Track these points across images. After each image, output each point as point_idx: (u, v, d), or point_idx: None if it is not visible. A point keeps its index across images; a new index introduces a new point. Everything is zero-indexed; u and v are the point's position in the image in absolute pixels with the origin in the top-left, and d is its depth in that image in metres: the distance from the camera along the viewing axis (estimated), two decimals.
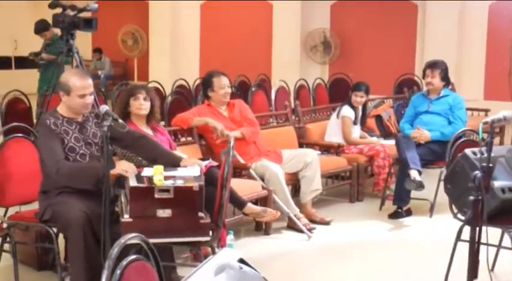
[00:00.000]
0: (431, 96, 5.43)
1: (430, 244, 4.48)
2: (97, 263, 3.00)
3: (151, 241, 2.10)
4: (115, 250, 1.86)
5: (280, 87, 8.24)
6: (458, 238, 3.53)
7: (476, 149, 3.37)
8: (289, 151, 5.05)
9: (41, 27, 7.46)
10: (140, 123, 4.03)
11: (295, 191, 5.16)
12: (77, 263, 3.12)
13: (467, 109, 6.15)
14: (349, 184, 5.54)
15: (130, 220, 3.05)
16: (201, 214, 3.15)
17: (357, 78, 6.80)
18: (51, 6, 5.58)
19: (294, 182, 5.00)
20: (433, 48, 10.15)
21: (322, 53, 11.62)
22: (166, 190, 3.09)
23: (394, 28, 11.04)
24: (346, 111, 5.67)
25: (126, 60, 13.87)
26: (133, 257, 1.90)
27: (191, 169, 3.43)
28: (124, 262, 1.85)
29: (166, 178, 3.16)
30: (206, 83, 4.90)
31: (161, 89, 7.80)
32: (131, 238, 1.95)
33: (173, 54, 12.66)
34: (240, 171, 4.66)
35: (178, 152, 4.06)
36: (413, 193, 5.03)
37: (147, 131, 4.01)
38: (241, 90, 7.91)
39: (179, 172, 3.36)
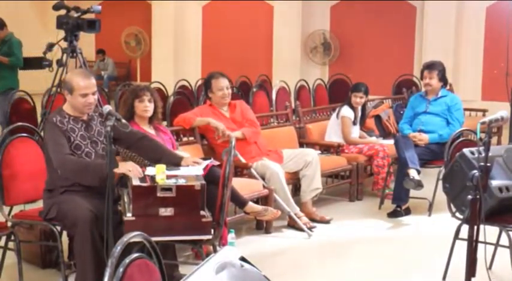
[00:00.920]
0: (430, 97, 5.47)
1: (429, 243, 4.51)
2: (103, 261, 3.03)
3: (154, 239, 2.12)
4: (118, 248, 1.86)
5: (281, 87, 8.28)
6: (456, 236, 3.57)
7: (474, 149, 3.40)
8: (290, 150, 5.09)
9: None
10: (143, 124, 4.06)
11: (296, 190, 5.19)
12: (84, 261, 3.14)
13: (465, 109, 6.19)
14: (349, 183, 5.58)
15: (133, 218, 3.08)
16: (202, 213, 3.18)
17: (357, 79, 6.85)
18: (55, 8, 5.62)
19: (295, 181, 5.04)
20: (432, 49, 10.18)
21: (322, 54, 11.66)
22: (169, 189, 3.12)
23: (393, 29, 11.07)
24: (346, 111, 5.71)
25: (129, 61, 13.90)
26: (135, 255, 1.91)
27: (193, 168, 3.47)
28: (127, 260, 1.86)
29: (168, 177, 3.19)
30: (206, 85, 4.95)
31: (163, 89, 7.83)
32: (134, 236, 1.96)
33: (175, 55, 12.69)
34: (241, 170, 4.70)
35: (181, 151, 4.10)
36: (412, 192, 5.06)
37: (150, 131, 4.04)
38: (242, 91, 7.96)
39: (181, 171, 3.39)
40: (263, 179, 4.66)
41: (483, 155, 2.95)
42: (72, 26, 5.56)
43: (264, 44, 12.16)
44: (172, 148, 4.05)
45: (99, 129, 3.47)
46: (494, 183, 3.28)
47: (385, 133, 6.40)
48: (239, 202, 4.15)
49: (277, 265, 4.01)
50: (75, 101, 3.38)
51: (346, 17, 11.54)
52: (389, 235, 4.73)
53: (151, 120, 4.11)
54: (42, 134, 3.93)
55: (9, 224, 3.58)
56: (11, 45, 6.96)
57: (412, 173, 4.92)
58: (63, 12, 5.64)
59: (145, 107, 4.01)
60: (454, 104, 5.41)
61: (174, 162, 3.52)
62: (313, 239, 4.56)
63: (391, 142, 5.62)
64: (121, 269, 1.83)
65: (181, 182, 3.17)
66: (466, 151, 3.42)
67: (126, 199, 3.26)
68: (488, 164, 2.96)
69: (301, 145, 5.61)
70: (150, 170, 3.30)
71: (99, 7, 5.71)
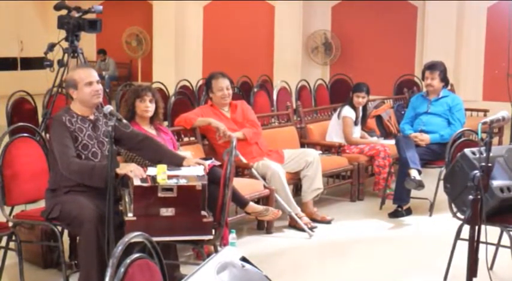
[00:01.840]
0: (431, 97, 5.47)
1: (430, 243, 4.51)
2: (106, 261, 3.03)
3: (155, 239, 2.11)
4: (119, 248, 1.86)
5: (282, 88, 8.28)
6: (457, 236, 3.56)
7: (475, 149, 3.40)
8: (291, 150, 5.09)
9: None
10: (144, 124, 4.07)
11: (297, 190, 5.19)
12: (89, 260, 3.14)
13: (466, 110, 6.19)
14: (350, 183, 5.58)
15: (134, 218, 3.08)
16: (203, 213, 3.18)
17: (358, 79, 6.85)
18: (57, 8, 5.63)
19: (296, 182, 5.04)
20: (433, 49, 10.20)
21: (323, 54, 11.67)
22: (170, 189, 3.12)
23: (394, 29, 11.08)
24: (347, 111, 5.71)
25: (130, 62, 13.93)
26: (136, 255, 1.91)
27: (194, 168, 3.48)
28: (128, 260, 1.86)
29: (169, 177, 3.20)
30: (207, 85, 4.96)
31: (164, 89, 7.84)
32: (135, 236, 1.95)
33: (176, 55, 12.71)
34: (242, 170, 4.70)
35: (182, 151, 4.10)
36: (413, 192, 5.06)
37: (151, 131, 4.04)
38: (243, 91, 7.97)
39: (182, 171, 3.39)
40: (264, 179, 4.66)
41: (484, 155, 2.95)
42: (73, 26, 5.56)
43: (265, 44, 12.17)
44: (173, 148, 4.06)
45: (105, 129, 3.47)
46: (496, 183, 3.28)
47: (386, 133, 6.40)
48: (240, 202, 4.15)
49: (278, 265, 4.02)
50: (82, 93, 3.39)
51: (347, 17, 11.55)
52: (390, 235, 4.73)
53: (152, 120, 4.11)
54: (43, 134, 3.93)
55: (10, 224, 3.57)
56: None
57: (413, 173, 4.92)
58: (64, 12, 5.65)
59: (146, 107, 4.01)
60: (456, 104, 5.42)
61: (176, 162, 3.53)
62: (314, 240, 4.57)
63: (392, 142, 5.62)
64: (122, 269, 1.83)
65: (183, 182, 3.17)
66: (467, 151, 3.42)
67: (127, 199, 3.26)
68: (490, 165, 2.96)
69: (302, 145, 5.61)
70: (151, 171, 3.30)
71: (100, 7, 5.72)
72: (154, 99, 4.06)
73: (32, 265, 3.87)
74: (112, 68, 13.30)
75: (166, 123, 6.34)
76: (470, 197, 2.94)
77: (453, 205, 3.62)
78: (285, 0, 11.67)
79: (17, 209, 3.76)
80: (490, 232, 3.15)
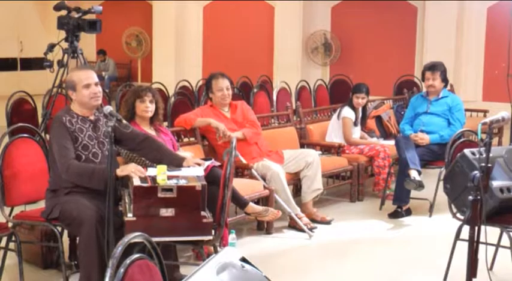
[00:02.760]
0: (431, 98, 5.47)
1: (430, 243, 4.51)
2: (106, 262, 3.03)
3: (155, 239, 2.12)
4: (119, 249, 1.86)
5: (282, 88, 8.29)
6: (457, 237, 3.56)
7: (475, 150, 3.41)
8: (291, 151, 5.09)
9: None
10: (144, 124, 4.07)
11: (297, 190, 5.19)
12: (89, 261, 3.14)
13: (466, 110, 6.19)
14: (350, 184, 5.58)
15: (134, 218, 3.08)
16: (203, 213, 3.19)
17: (357, 79, 6.86)
18: (56, 8, 5.63)
19: (295, 182, 5.04)
20: (432, 49, 10.20)
21: (323, 54, 11.68)
22: (170, 189, 3.12)
23: (394, 30, 11.09)
24: (347, 112, 5.71)
25: (130, 62, 13.93)
26: (136, 255, 1.91)
27: (194, 169, 3.48)
28: (127, 261, 1.86)
29: (169, 177, 3.20)
30: (207, 85, 4.97)
31: (164, 90, 7.85)
32: (135, 236, 1.95)
33: (176, 55, 12.71)
34: (242, 171, 4.71)
35: (182, 152, 4.10)
36: (413, 193, 5.07)
37: (151, 131, 4.04)
38: (243, 92, 7.97)
39: (182, 171, 3.40)
40: (264, 179, 4.67)
41: (484, 155, 2.95)
42: (73, 26, 5.56)
43: (265, 44, 12.17)
44: (173, 148, 4.06)
45: (105, 130, 3.46)
46: (495, 184, 3.28)
47: (386, 134, 6.40)
48: (240, 202, 4.15)
49: (278, 266, 4.02)
50: (81, 95, 3.38)
51: (347, 17, 11.56)
52: (390, 236, 4.73)
53: (152, 121, 4.12)
54: (43, 134, 3.93)
55: (10, 224, 3.58)
56: None
57: (413, 173, 4.92)
58: (64, 12, 5.65)
59: (146, 107, 4.01)
60: (456, 104, 5.42)
61: (176, 163, 3.53)
62: (314, 240, 4.57)
63: (391, 142, 5.62)
64: (122, 270, 1.83)
65: (182, 182, 3.17)
66: (467, 151, 3.42)
67: (127, 200, 3.26)
68: (489, 165, 2.97)
69: (302, 146, 5.61)
70: (151, 171, 3.30)
71: (100, 7, 5.72)
72: (154, 100, 4.06)
73: (32, 265, 3.88)
74: (112, 68, 13.31)
75: (166, 123, 6.33)
76: (470, 197, 2.94)
77: (453, 206, 3.62)
78: (285, 0, 11.67)
79: (17, 210, 3.76)
80: (490, 233, 3.16)
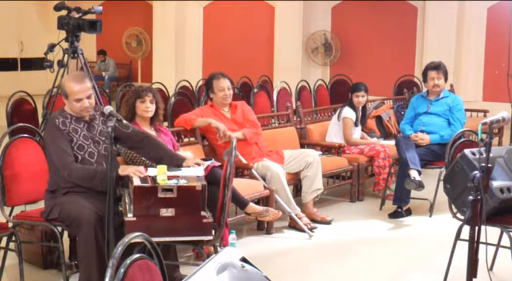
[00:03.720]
0: (431, 98, 5.47)
1: (430, 243, 4.51)
2: (106, 262, 3.03)
3: (155, 239, 2.12)
4: (119, 249, 1.87)
5: (282, 88, 8.28)
6: (457, 237, 3.56)
7: (475, 150, 3.40)
8: (291, 151, 5.09)
9: None
10: (144, 124, 4.07)
11: (297, 191, 5.19)
12: (88, 261, 3.14)
13: (466, 110, 6.19)
14: (350, 184, 5.58)
15: (134, 219, 3.09)
16: (203, 213, 3.19)
17: (358, 79, 6.85)
18: (56, 8, 5.62)
19: (296, 182, 5.04)
20: (433, 49, 10.20)
21: (323, 54, 11.68)
22: (170, 190, 3.12)
23: (394, 30, 11.09)
24: (347, 112, 5.70)
25: (130, 62, 13.93)
26: (136, 255, 1.91)
27: (194, 169, 3.48)
28: (128, 261, 1.86)
29: (169, 177, 3.20)
30: (207, 85, 4.96)
31: (164, 90, 7.85)
32: (135, 236, 1.96)
33: (176, 55, 12.71)
34: (242, 171, 4.70)
35: (182, 152, 4.11)
36: (413, 193, 5.07)
37: (151, 132, 4.04)
38: (243, 92, 7.96)
39: (182, 171, 3.40)
40: (264, 179, 4.67)
41: (484, 155, 2.95)
42: (73, 26, 5.56)
43: (265, 44, 12.17)
44: (173, 148, 4.06)
45: (102, 128, 3.47)
46: (495, 184, 3.28)
47: (386, 134, 6.41)
48: (240, 202, 4.15)
49: (278, 266, 4.02)
50: (72, 106, 3.39)
51: (347, 17, 11.56)
52: (390, 236, 4.73)
53: (152, 121, 4.12)
54: (43, 134, 3.92)
55: (10, 224, 3.58)
56: None
57: (413, 173, 4.92)
58: (64, 12, 5.64)
59: (147, 107, 4.02)
60: (456, 104, 5.42)
61: (176, 163, 3.53)
62: (314, 240, 4.57)
63: (392, 142, 5.62)
64: (122, 270, 1.84)
65: (183, 182, 3.18)
66: (467, 151, 3.42)
67: (127, 200, 3.26)
68: (490, 165, 2.96)
69: (302, 146, 5.62)
70: (151, 171, 3.30)
71: (100, 8, 5.71)
72: (154, 100, 4.07)
73: (32, 265, 3.88)
74: (112, 68, 13.31)
75: (166, 123, 6.34)
76: (470, 197, 2.93)
77: (453, 206, 3.62)
78: (285, 1, 11.67)
79: (17, 210, 3.76)
80: (490, 233, 3.15)
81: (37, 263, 3.90)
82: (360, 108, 5.81)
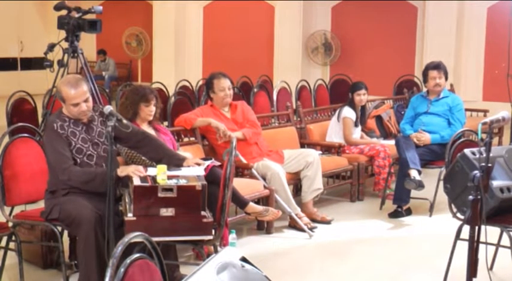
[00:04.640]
0: (431, 98, 5.47)
1: (430, 243, 4.51)
2: (105, 262, 3.03)
3: (155, 239, 2.12)
4: (119, 249, 1.87)
5: (282, 88, 8.28)
6: (457, 237, 3.56)
7: (475, 149, 3.40)
8: (291, 151, 5.09)
9: None
10: (143, 124, 4.07)
11: (297, 190, 5.19)
12: (88, 261, 3.14)
13: (466, 110, 6.19)
14: (350, 184, 5.58)
15: (134, 218, 3.09)
16: (203, 213, 3.19)
17: (357, 79, 6.86)
18: (57, 8, 5.63)
19: (296, 182, 5.04)
20: (433, 49, 10.20)
21: (323, 54, 11.67)
22: (170, 189, 3.12)
23: (394, 30, 11.08)
24: (347, 112, 5.70)
25: (130, 62, 13.94)
26: (136, 255, 1.91)
27: (194, 168, 3.48)
28: (128, 260, 1.86)
29: (169, 177, 3.20)
30: (208, 85, 4.96)
31: (164, 90, 7.85)
32: (135, 236, 1.96)
33: (176, 55, 12.71)
34: (242, 171, 4.71)
35: (182, 151, 4.11)
36: (413, 193, 5.07)
37: (149, 131, 4.04)
38: (243, 91, 7.97)
39: (182, 171, 3.40)
40: (264, 179, 4.67)
41: (484, 155, 2.95)
42: (73, 26, 5.56)
43: (265, 44, 12.17)
44: (173, 148, 4.06)
45: (100, 130, 3.47)
46: (495, 183, 3.28)
47: (386, 134, 6.41)
48: (240, 202, 4.15)
49: (278, 266, 4.02)
50: (69, 110, 3.38)
51: (347, 17, 11.55)
52: (390, 236, 4.73)
53: (150, 121, 4.12)
54: (43, 134, 3.92)
55: (10, 224, 3.58)
56: None
57: (413, 173, 4.93)
58: (64, 12, 5.65)
59: (151, 111, 4.05)
60: (456, 104, 5.42)
61: (176, 162, 3.53)
62: (314, 240, 4.57)
63: (392, 142, 5.62)
64: (122, 270, 1.84)
65: (183, 182, 3.18)
66: (467, 151, 3.42)
67: (127, 199, 3.26)
68: (490, 165, 2.96)
69: (302, 146, 5.61)
70: (151, 171, 3.30)
71: (100, 7, 5.72)
72: (156, 103, 4.08)
73: (32, 265, 3.88)
74: (112, 68, 13.32)
75: (166, 123, 6.34)
76: (470, 197, 2.94)
77: (453, 205, 3.62)
78: (285, 0, 11.67)
79: (17, 210, 3.76)
80: (490, 232, 3.15)
81: (37, 263, 3.90)
82: (360, 108, 5.81)
